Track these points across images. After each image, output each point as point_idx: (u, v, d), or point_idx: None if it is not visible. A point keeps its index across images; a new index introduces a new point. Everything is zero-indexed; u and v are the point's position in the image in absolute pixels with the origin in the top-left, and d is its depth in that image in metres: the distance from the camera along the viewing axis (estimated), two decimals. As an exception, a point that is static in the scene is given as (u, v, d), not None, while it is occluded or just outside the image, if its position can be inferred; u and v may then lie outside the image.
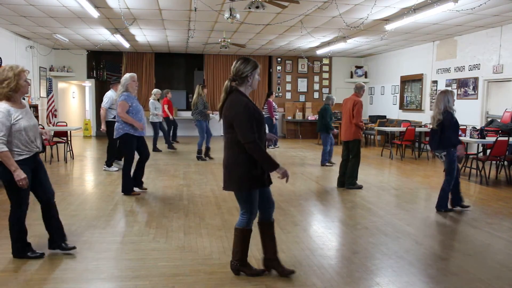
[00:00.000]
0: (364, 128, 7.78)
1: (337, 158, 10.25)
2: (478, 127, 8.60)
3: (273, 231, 3.48)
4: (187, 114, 15.44)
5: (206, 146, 9.92)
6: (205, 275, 3.46)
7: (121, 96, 6.03)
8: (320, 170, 8.83)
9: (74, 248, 3.94)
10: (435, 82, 12.30)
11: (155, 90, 11.49)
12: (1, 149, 3.40)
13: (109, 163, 8.35)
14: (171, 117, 12.45)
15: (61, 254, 3.86)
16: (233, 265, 3.45)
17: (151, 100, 11.26)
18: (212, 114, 10.71)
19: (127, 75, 6.17)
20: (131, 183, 6.28)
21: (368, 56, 16.31)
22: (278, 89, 16.60)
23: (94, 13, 8.60)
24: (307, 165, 9.49)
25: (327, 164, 9.31)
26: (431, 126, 5.69)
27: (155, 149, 11.20)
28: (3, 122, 3.41)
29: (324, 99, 9.36)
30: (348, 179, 6.94)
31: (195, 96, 9.75)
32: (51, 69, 14.68)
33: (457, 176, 5.63)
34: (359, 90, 7.05)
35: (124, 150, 6.19)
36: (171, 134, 12.61)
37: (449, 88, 5.50)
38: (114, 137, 6.30)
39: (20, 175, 3.48)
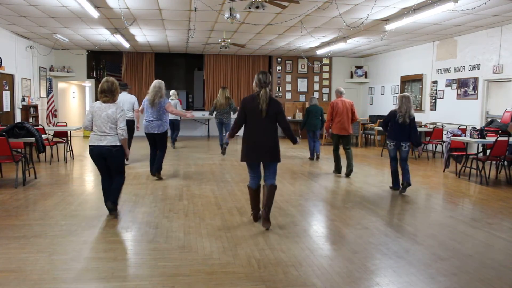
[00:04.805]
0: None
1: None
2: (478, 127, 8.60)
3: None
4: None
5: (226, 142, 10.72)
6: (205, 275, 3.46)
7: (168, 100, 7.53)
8: (320, 170, 8.83)
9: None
10: (435, 82, 12.30)
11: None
12: (126, 136, 4.88)
13: None
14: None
15: (61, 254, 3.87)
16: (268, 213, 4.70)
17: (174, 100, 12.04)
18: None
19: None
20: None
21: (368, 56, 16.31)
22: (278, 89, 16.60)
23: (94, 13, 8.60)
24: (307, 165, 9.49)
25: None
26: (401, 121, 6.62)
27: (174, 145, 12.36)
28: (125, 117, 4.87)
29: (313, 102, 10.30)
30: (351, 166, 8.01)
31: (225, 99, 10.66)
32: (51, 69, 14.68)
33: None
34: (342, 93, 8.58)
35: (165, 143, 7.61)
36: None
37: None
38: (163, 132, 7.35)
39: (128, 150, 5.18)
